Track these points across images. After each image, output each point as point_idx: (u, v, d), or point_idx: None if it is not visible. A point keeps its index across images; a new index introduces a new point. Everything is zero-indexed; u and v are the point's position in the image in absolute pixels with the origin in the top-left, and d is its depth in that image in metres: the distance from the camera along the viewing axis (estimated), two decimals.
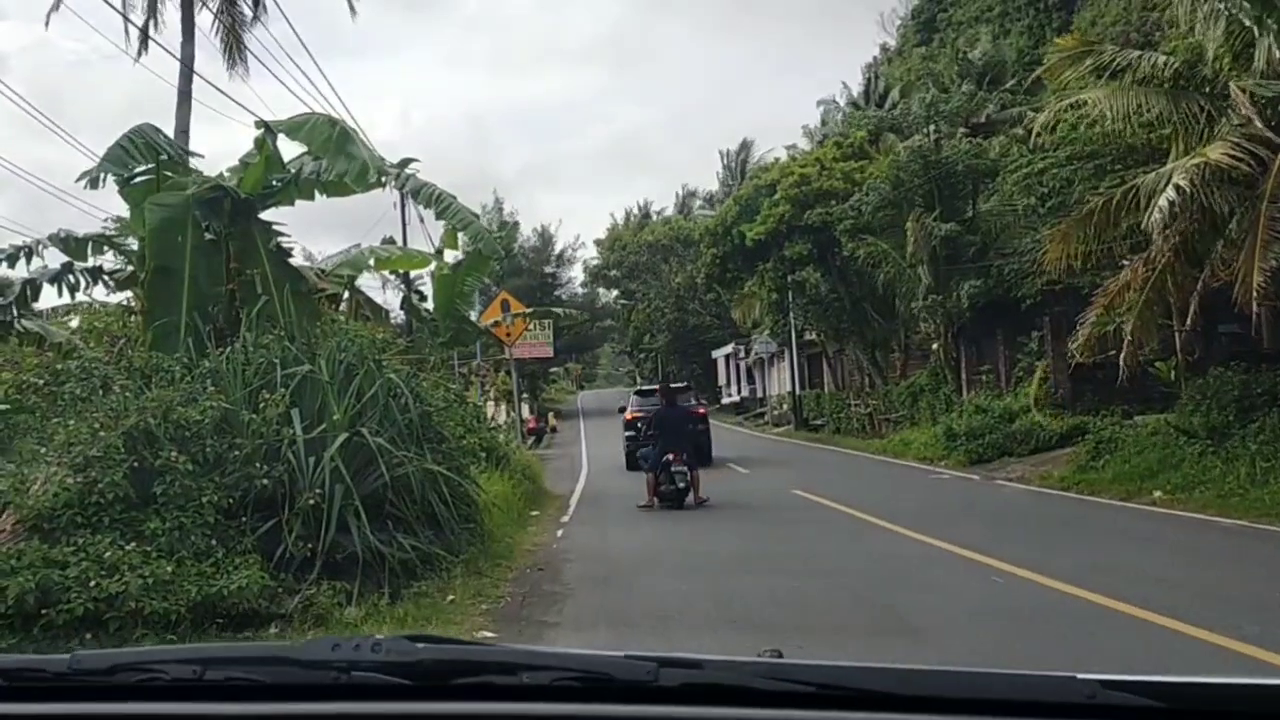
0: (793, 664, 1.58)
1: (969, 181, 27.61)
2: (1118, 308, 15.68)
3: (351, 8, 24.28)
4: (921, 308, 28.08)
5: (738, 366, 56.71)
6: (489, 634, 8.13)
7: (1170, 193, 13.68)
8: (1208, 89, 15.32)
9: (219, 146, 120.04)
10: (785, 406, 44.72)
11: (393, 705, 1.54)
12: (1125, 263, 16.11)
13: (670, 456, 16.92)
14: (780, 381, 47.77)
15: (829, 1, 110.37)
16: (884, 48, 56.34)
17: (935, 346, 29.47)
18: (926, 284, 27.51)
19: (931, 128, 29.77)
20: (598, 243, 71.56)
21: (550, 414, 53.10)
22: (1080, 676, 1.46)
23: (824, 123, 50.44)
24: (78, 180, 11.55)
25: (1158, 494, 15.10)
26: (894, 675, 1.51)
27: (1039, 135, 18.70)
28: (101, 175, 11.38)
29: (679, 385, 27.92)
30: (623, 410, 27.32)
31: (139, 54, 22.81)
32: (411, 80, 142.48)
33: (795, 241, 34.17)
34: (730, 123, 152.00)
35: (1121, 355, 15.66)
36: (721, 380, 60.78)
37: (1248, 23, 14.29)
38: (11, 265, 13.09)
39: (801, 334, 40.81)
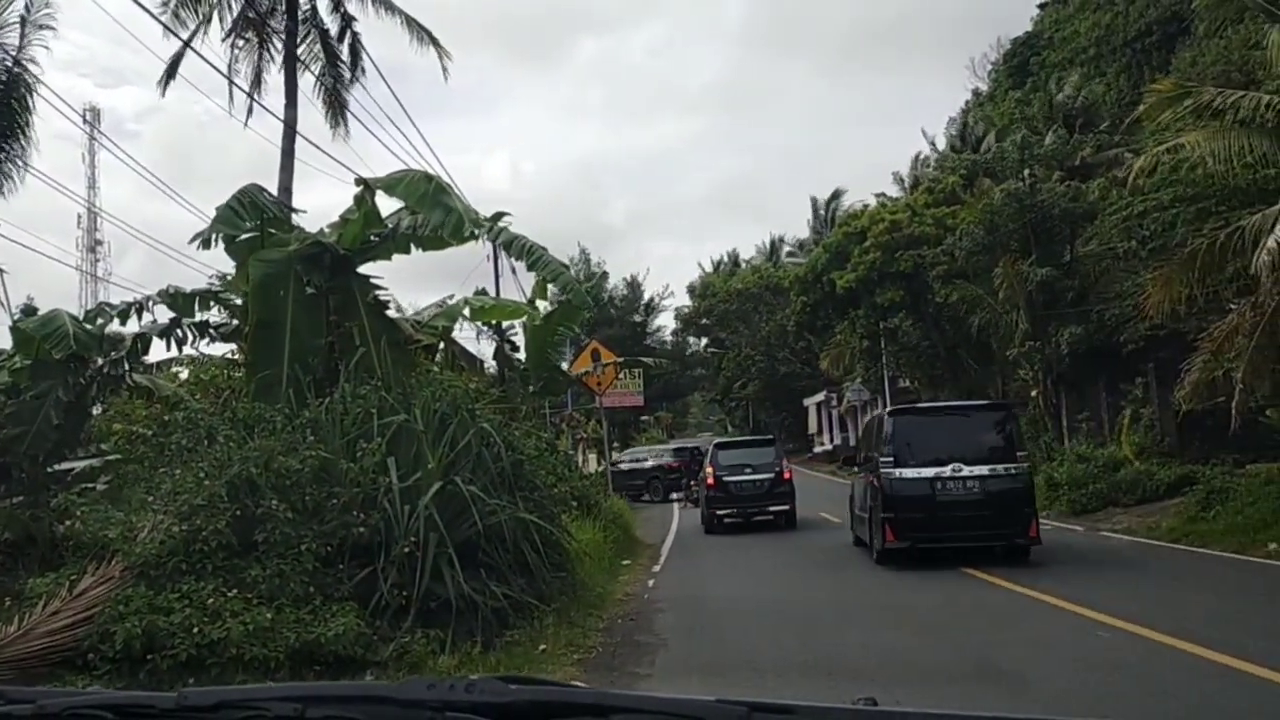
0: (887, 711, 1.55)
1: (1066, 225, 27.08)
2: (1226, 353, 15.17)
3: (444, 70, 24.87)
4: (1018, 354, 27.52)
5: (830, 415, 56.09)
6: (580, 684, 8.11)
7: None
8: None
9: (321, 203, 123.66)
10: None
11: None
12: (1232, 307, 15.61)
13: (693, 484, 29.41)
14: None
15: (937, 46, 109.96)
16: (975, 92, 55.91)
17: (1034, 394, 28.79)
18: (1023, 330, 26.96)
19: (1026, 171, 29.34)
20: (690, 290, 71.75)
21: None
22: None
23: (915, 167, 50.10)
24: (191, 241, 12.04)
25: (1273, 546, 14.44)
26: None
27: (1138, 179, 18.29)
28: (214, 236, 11.84)
29: (763, 437, 29.21)
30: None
31: (246, 117, 23.72)
32: (525, 131, 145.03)
33: (887, 288, 33.86)
34: (829, 169, 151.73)
35: (1233, 402, 15.12)
36: (813, 429, 60.12)
37: None
38: (123, 321, 13.65)
39: (895, 381, 40.24)
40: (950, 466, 14.59)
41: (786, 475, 22.49)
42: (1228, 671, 7.52)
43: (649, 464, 35.68)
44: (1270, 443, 18.84)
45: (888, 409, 19.00)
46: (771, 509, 22.35)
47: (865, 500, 16.22)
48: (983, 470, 14.59)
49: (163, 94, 26.53)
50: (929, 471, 14.58)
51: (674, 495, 33.60)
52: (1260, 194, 16.62)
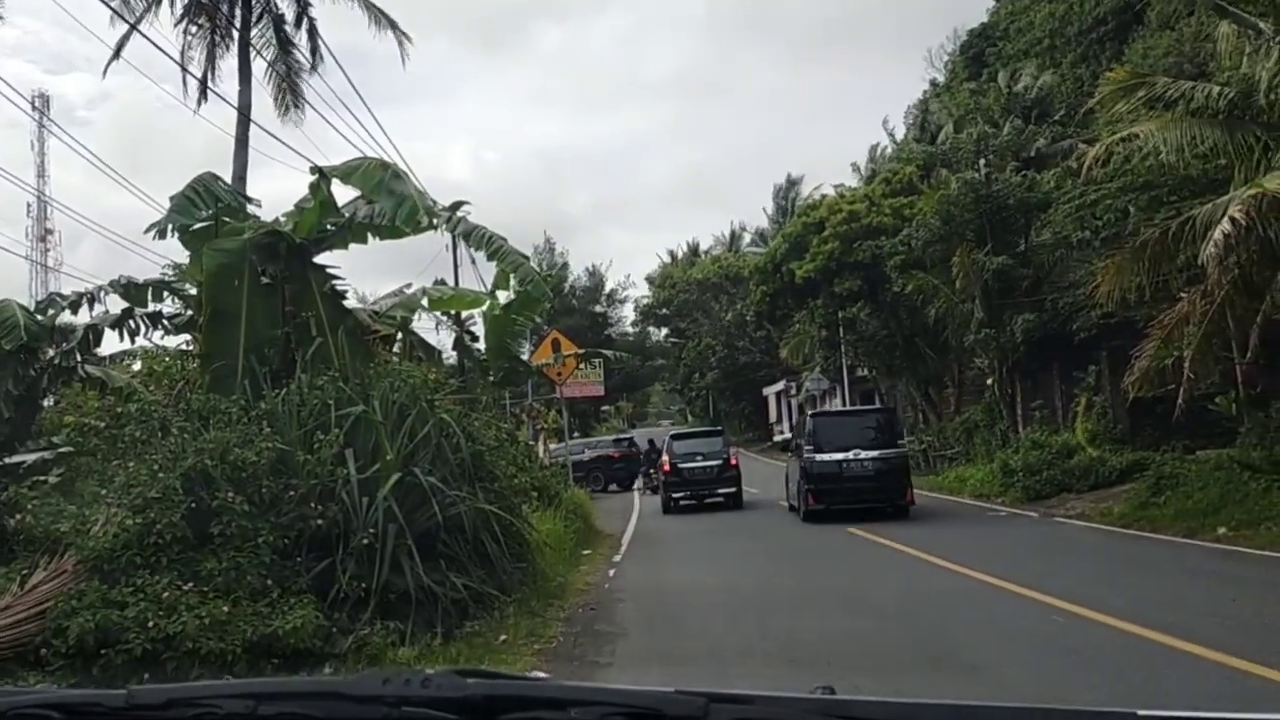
0: (846, 700, 1.56)
1: (1021, 215, 27.35)
2: (1175, 341, 15.40)
3: (403, 57, 24.69)
4: (974, 341, 27.80)
5: (789, 404, 56.40)
6: (541, 674, 8.10)
7: (1226, 224, 13.43)
8: (1264, 118, 15.07)
9: (277, 192, 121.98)
10: None
11: None
12: (1182, 295, 15.84)
13: (652, 470, 30.70)
14: None
15: (900, 36, 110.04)
16: (933, 83, 56.25)
17: (989, 381, 29.10)
18: (979, 318, 27.22)
19: (982, 162, 29.57)
20: (649, 280, 71.77)
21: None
22: (1141, 713, 1.41)
23: (873, 158, 50.38)
24: (146, 232, 11.85)
25: (1222, 530, 14.73)
26: (949, 711, 1.48)
27: (1091, 169, 18.50)
28: (169, 226, 11.65)
29: (713, 429, 34.30)
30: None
31: (198, 103, 23.39)
32: (487, 120, 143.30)
33: (845, 278, 34.04)
34: (792, 159, 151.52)
35: (1180, 389, 15.36)
36: (772, 417, 60.47)
37: None
38: (74, 311, 13.43)
39: (853, 370, 40.50)
40: (852, 452, 20.54)
41: (733, 462, 26.13)
42: (1173, 653, 7.66)
43: (588, 456, 36.54)
44: (1219, 429, 19.18)
45: (811, 412, 26.51)
46: (720, 491, 25.60)
47: (795, 477, 22.05)
48: (874, 454, 20.58)
49: (104, 75, 26.05)
50: (838, 455, 20.50)
51: (613, 486, 35.39)
52: (1212, 184, 16.87)
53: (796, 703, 1.53)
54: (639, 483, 34.27)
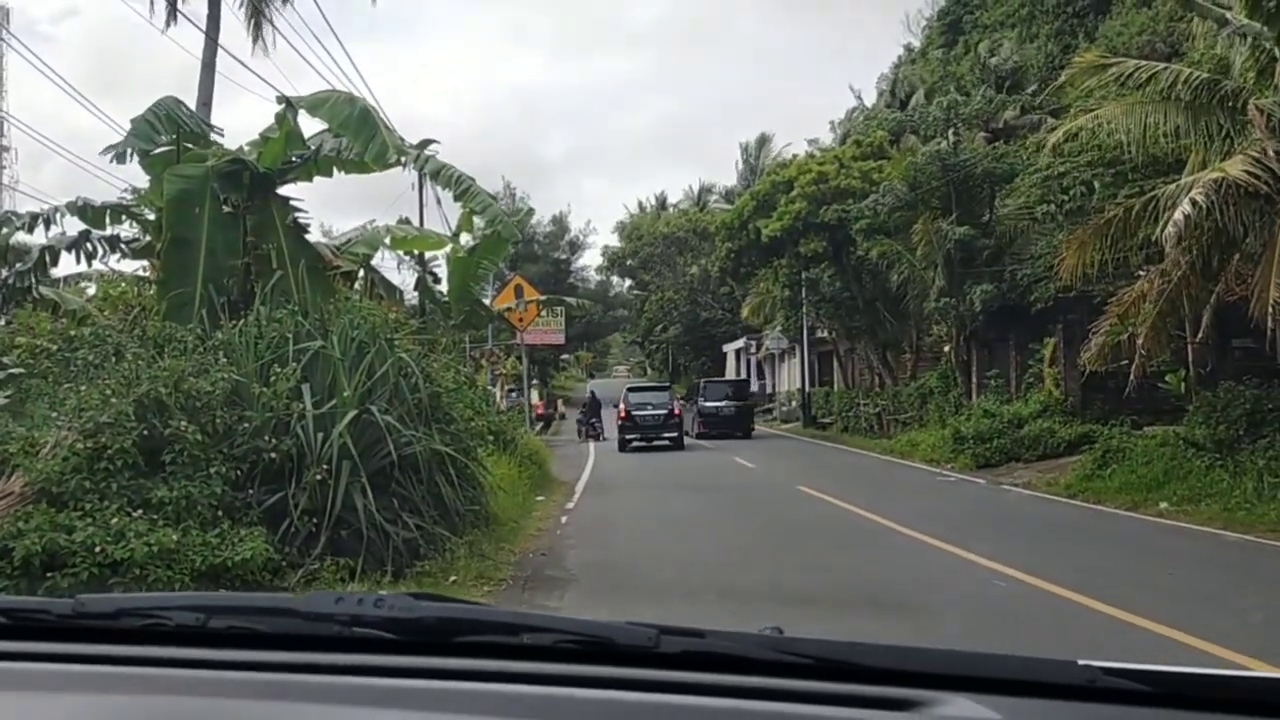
0: (794, 638, 1.58)
1: (987, 185, 27.45)
2: (1131, 318, 15.59)
3: None
4: (933, 309, 28.00)
5: (748, 361, 56.66)
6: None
7: (1186, 206, 13.55)
8: (1230, 104, 15.18)
9: (244, 122, 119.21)
10: (794, 403, 44.59)
11: (392, 659, 1.55)
12: (1141, 273, 16.02)
13: (594, 420, 36.98)
14: (790, 378, 47.68)
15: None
16: (908, 48, 56.08)
17: (946, 349, 29.37)
18: (939, 286, 27.38)
19: (951, 131, 29.60)
20: (620, 226, 71.29)
21: (559, 401, 53.21)
22: (1081, 662, 1.45)
23: (849, 120, 50.26)
24: (103, 153, 11.59)
25: (1164, 505, 15.04)
26: (894, 652, 1.51)
27: (1057, 147, 18.60)
28: (129, 150, 11.43)
29: (662, 384, 40.64)
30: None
31: (166, 24, 22.79)
32: (461, 59, 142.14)
33: (810, 239, 34.05)
34: (769, 116, 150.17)
35: (1132, 365, 15.59)
36: (731, 374, 60.72)
37: (1268, 45, 14.17)
38: (30, 231, 13.16)
39: (813, 331, 40.71)
40: (723, 402, 36.21)
41: (676, 412, 32.70)
42: (1112, 621, 7.85)
43: None
44: (1167, 405, 19.54)
45: (704, 380, 43.18)
46: (665, 435, 31.68)
47: (692, 415, 35.83)
48: (734, 403, 36.38)
49: None
50: (716, 404, 36.13)
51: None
52: (1177, 162, 17.03)
53: (746, 638, 1.56)
54: (580, 431, 37.34)
